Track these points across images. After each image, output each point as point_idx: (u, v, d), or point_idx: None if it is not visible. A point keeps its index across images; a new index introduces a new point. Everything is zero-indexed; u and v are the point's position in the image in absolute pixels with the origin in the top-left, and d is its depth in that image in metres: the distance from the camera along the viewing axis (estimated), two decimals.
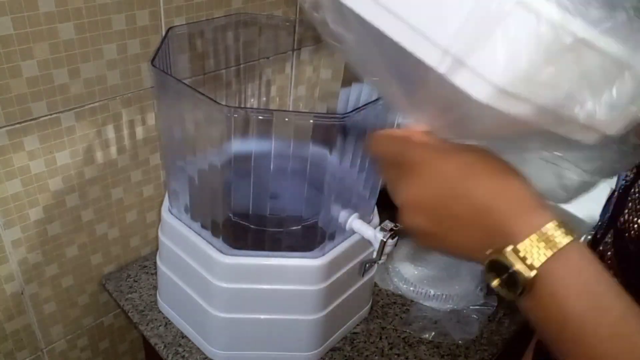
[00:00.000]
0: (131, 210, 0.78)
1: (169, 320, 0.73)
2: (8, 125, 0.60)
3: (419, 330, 0.75)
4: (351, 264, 0.67)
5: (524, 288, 0.30)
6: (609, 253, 0.45)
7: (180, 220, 0.65)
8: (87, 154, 0.69)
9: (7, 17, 0.54)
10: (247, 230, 0.62)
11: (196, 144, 0.58)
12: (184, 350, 0.69)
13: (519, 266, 0.30)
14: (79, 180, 0.70)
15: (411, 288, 0.80)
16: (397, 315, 0.77)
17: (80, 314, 0.80)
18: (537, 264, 0.30)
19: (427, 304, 0.79)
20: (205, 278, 0.62)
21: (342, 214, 0.63)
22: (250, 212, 0.61)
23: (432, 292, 0.78)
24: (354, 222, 0.62)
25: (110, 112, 0.68)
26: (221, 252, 0.61)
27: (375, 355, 0.71)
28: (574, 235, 0.30)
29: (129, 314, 0.74)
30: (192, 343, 0.70)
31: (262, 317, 0.64)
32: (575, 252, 0.30)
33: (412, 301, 0.80)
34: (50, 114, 0.62)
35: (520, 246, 0.30)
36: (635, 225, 0.42)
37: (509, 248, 0.31)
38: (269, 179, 0.61)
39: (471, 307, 0.78)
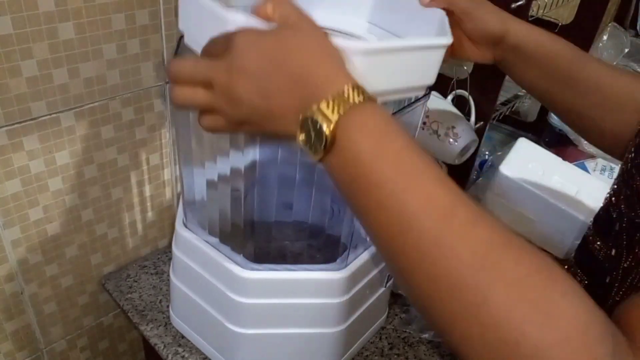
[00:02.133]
0: (131, 210, 0.78)
1: (169, 320, 0.73)
2: (7, 125, 0.60)
3: (419, 330, 0.75)
4: (372, 274, 0.66)
5: (326, 140, 0.34)
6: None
7: (197, 235, 0.63)
8: (87, 154, 0.69)
9: (7, 17, 0.54)
10: (268, 244, 0.60)
11: (216, 154, 0.56)
12: (184, 350, 0.69)
13: (321, 117, 0.34)
14: (79, 180, 0.70)
15: None
16: (397, 315, 0.77)
17: (80, 314, 0.80)
18: (334, 117, 0.34)
19: None
20: (225, 294, 0.60)
21: None
22: (272, 225, 0.59)
23: None
24: None
25: (110, 112, 0.68)
26: (242, 267, 0.59)
27: (375, 355, 0.71)
28: (369, 97, 0.35)
29: (129, 314, 0.74)
30: (192, 343, 0.70)
31: (283, 331, 0.63)
32: (369, 109, 0.35)
33: None
34: (50, 114, 0.62)
35: (322, 104, 0.34)
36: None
37: (315, 106, 0.34)
38: (292, 189, 0.59)
39: None
